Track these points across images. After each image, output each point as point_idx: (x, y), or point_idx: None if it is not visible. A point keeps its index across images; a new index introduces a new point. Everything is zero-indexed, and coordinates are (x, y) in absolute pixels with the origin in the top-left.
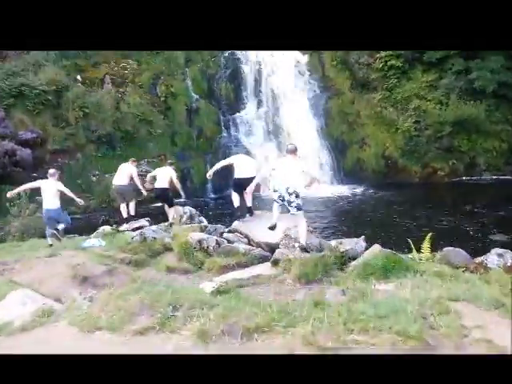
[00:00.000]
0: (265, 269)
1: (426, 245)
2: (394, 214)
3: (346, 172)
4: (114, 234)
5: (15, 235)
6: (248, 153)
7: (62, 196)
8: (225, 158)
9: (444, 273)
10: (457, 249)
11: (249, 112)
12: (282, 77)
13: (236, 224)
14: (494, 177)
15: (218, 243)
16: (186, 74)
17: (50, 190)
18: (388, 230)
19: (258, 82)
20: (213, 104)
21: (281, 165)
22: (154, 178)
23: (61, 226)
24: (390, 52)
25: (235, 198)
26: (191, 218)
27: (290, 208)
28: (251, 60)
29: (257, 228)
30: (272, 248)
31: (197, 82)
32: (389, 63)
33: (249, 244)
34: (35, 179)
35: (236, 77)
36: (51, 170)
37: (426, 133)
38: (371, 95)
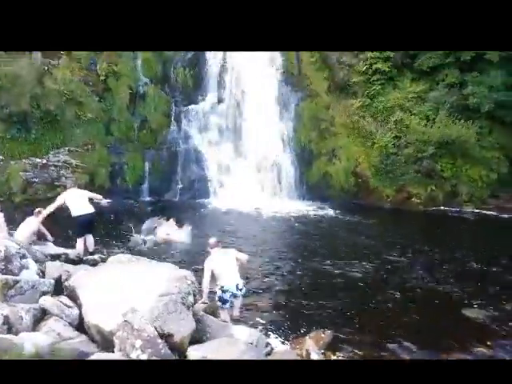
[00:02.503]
0: None
1: None
2: (352, 250)
3: (309, 187)
4: None
5: None
6: (197, 151)
7: None
8: (169, 155)
9: None
10: None
11: (207, 105)
12: (250, 69)
13: (76, 279)
14: (477, 210)
15: (8, 322)
16: (136, 52)
17: None
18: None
19: (222, 71)
20: (165, 91)
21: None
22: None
23: None
24: (377, 53)
25: (79, 243)
26: (7, 260)
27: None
28: None
29: (102, 289)
30: (105, 339)
31: (149, 62)
32: (374, 66)
33: (80, 319)
34: None
35: (198, 62)
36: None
37: (406, 151)
38: (349, 101)
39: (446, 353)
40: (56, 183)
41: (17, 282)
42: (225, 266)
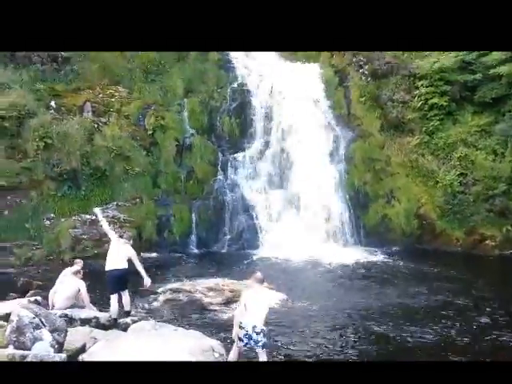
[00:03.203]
0: None
1: None
2: (423, 307)
3: (366, 231)
4: None
5: None
6: (245, 200)
7: None
8: (215, 204)
9: None
10: None
11: (254, 152)
12: (297, 113)
13: (92, 353)
14: None
15: None
16: (183, 105)
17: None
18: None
19: (268, 118)
20: (212, 141)
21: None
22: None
23: None
24: (432, 89)
25: (112, 301)
26: (19, 331)
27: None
28: (263, 93)
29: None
30: None
31: (195, 114)
32: (430, 101)
33: None
34: None
35: (243, 111)
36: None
37: (474, 189)
38: (406, 139)
39: None
40: (104, 239)
41: (24, 357)
42: (253, 303)
